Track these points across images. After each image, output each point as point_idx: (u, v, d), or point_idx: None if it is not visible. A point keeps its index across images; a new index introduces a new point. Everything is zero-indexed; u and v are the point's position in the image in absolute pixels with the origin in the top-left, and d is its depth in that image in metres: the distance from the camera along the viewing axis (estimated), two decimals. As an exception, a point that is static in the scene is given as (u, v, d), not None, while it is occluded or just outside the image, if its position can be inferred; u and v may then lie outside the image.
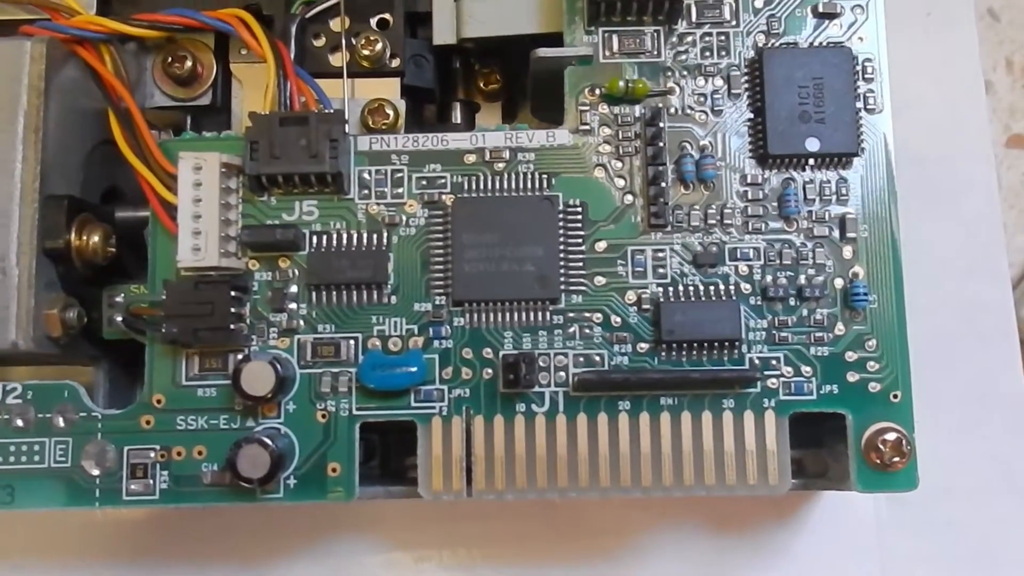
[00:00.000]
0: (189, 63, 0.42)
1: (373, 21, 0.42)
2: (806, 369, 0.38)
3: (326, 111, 0.38)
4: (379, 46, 0.42)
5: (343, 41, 0.41)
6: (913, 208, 0.49)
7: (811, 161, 0.38)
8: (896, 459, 0.36)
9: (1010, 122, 0.54)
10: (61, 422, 0.38)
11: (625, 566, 0.46)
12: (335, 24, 0.42)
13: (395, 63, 0.42)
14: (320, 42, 0.42)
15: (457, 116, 0.46)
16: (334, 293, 0.38)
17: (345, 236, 0.38)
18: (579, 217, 0.38)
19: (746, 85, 0.39)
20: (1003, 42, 0.54)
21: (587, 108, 0.39)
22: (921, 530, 0.47)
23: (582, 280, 0.38)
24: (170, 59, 0.42)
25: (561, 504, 0.46)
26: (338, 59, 0.42)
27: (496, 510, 0.46)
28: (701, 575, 0.46)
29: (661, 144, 0.38)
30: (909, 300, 0.48)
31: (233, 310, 0.37)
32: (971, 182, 0.50)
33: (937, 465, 0.47)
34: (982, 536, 0.47)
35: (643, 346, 0.38)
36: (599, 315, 0.38)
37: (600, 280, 0.38)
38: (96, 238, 0.39)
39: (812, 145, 0.38)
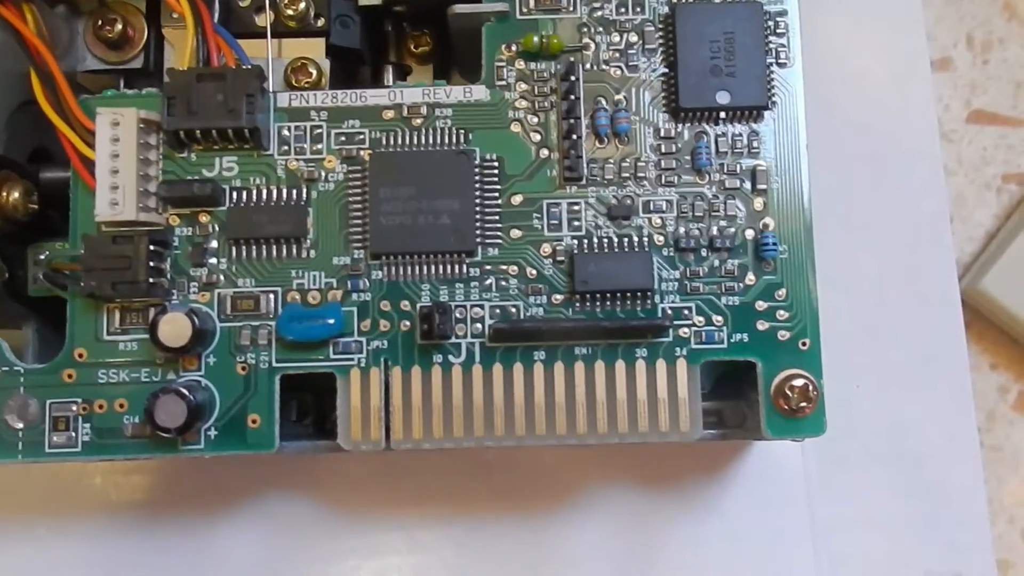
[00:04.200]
0: (120, 26, 0.42)
1: (298, -19, 0.42)
2: (717, 318, 0.38)
3: (244, 67, 0.39)
4: (303, 5, 0.42)
5: (267, 0, 0.42)
6: (860, 178, 0.50)
7: (722, 115, 0.39)
8: (804, 404, 0.37)
9: (971, 97, 0.54)
10: (-17, 377, 0.38)
11: (559, 521, 0.47)
12: (260, -16, 0.42)
13: (320, 23, 0.42)
14: (245, 2, 0.42)
15: (389, 79, 0.46)
16: (254, 248, 0.39)
17: (265, 191, 0.39)
18: (495, 171, 0.39)
19: (660, 40, 0.39)
20: (964, 18, 0.55)
21: (503, 64, 0.39)
22: (859, 491, 0.48)
23: (498, 233, 0.39)
24: (101, 22, 0.42)
25: (495, 461, 0.47)
26: (263, 19, 0.42)
27: (430, 468, 0.47)
28: (633, 529, 0.47)
29: (575, 98, 0.39)
30: (856, 269, 0.49)
31: (152, 264, 0.37)
32: (916, 153, 0.50)
33: (878, 430, 0.48)
34: (924, 500, 0.48)
35: (558, 297, 0.38)
36: (515, 267, 0.38)
37: (516, 233, 0.39)
38: (16, 195, 0.39)
39: (723, 98, 0.38)
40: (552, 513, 0.47)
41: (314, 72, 0.42)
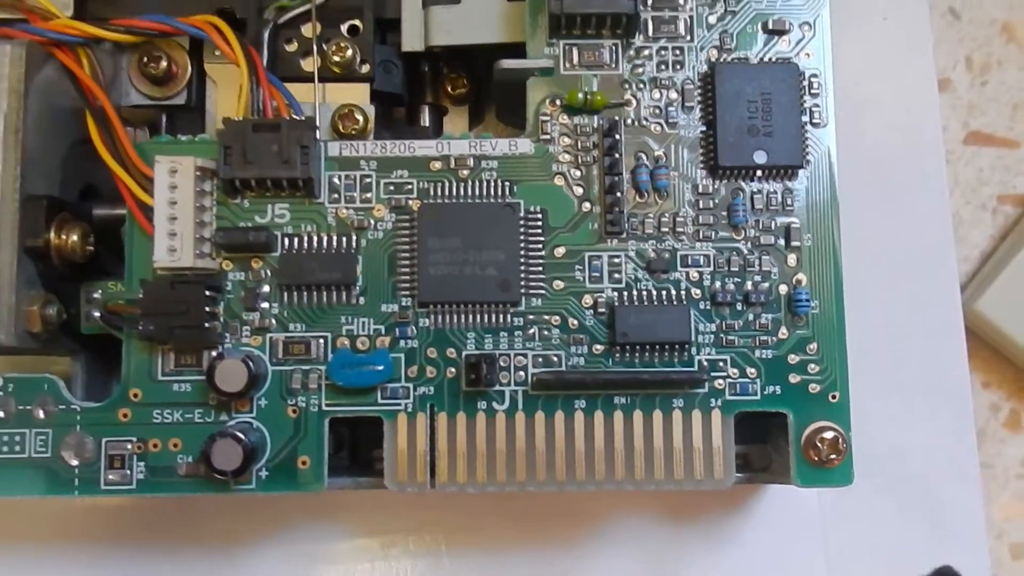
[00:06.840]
0: (164, 63, 0.43)
1: (344, 27, 0.43)
2: (751, 371, 0.40)
3: (297, 118, 0.40)
4: (349, 52, 0.43)
5: (314, 47, 0.43)
6: (867, 205, 0.51)
7: (759, 173, 0.40)
8: (833, 456, 0.39)
9: (969, 119, 0.55)
10: (41, 414, 0.39)
11: (582, 552, 0.48)
12: (307, 30, 0.43)
13: (365, 69, 0.43)
14: (292, 47, 0.43)
15: (426, 119, 0.47)
16: (305, 293, 0.40)
17: (316, 239, 0.40)
18: (539, 223, 0.40)
19: (699, 98, 0.41)
20: (963, 40, 0.55)
21: (548, 118, 0.41)
22: (866, 518, 0.49)
23: (541, 284, 0.40)
24: (146, 59, 0.43)
25: (522, 494, 0.48)
26: (310, 64, 0.43)
27: (460, 498, 0.48)
28: (654, 562, 0.48)
29: (618, 155, 0.40)
30: (861, 294, 0.50)
31: (207, 309, 0.39)
32: (923, 181, 0.51)
33: (884, 454, 0.49)
34: (928, 523, 0.49)
35: (598, 348, 0.40)
36: (557, 318, 0.40)
37: (559, 284, 0.40)
38: (75, 237, 0.40)
39: (760, 158, 0.40)
40: (576, 544, 0.48)
41: (361, 119, 0.43)
